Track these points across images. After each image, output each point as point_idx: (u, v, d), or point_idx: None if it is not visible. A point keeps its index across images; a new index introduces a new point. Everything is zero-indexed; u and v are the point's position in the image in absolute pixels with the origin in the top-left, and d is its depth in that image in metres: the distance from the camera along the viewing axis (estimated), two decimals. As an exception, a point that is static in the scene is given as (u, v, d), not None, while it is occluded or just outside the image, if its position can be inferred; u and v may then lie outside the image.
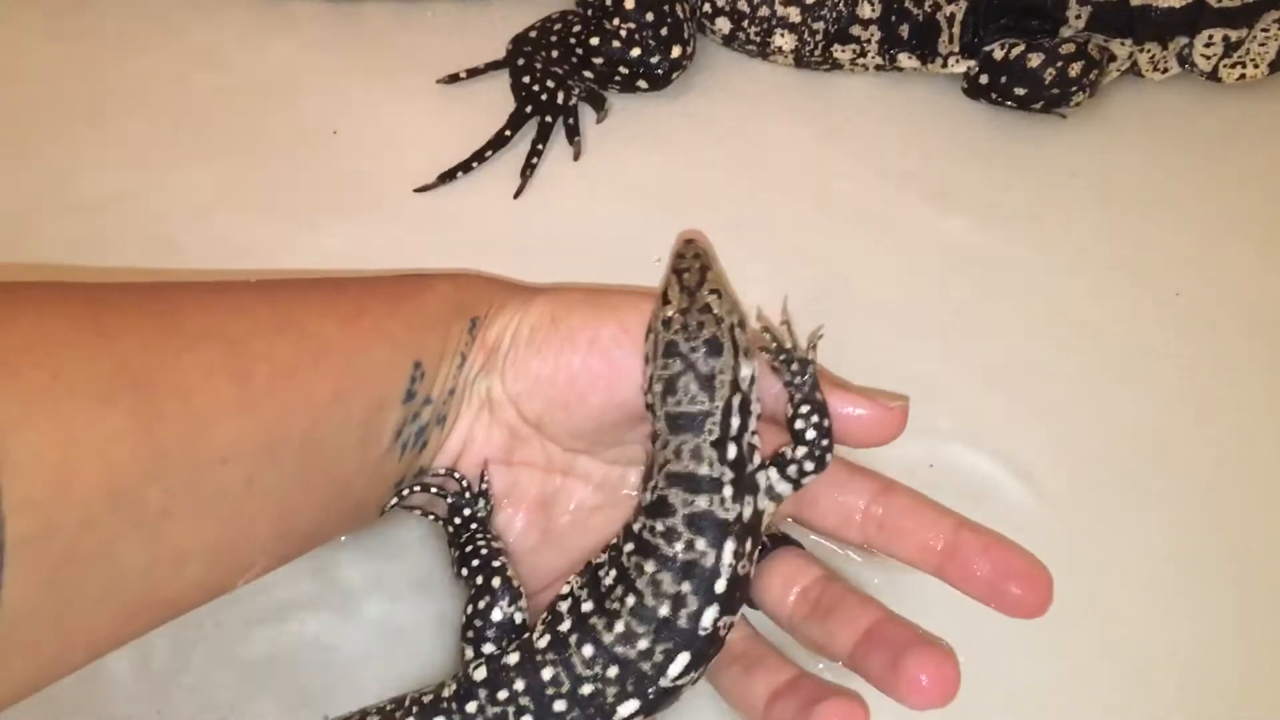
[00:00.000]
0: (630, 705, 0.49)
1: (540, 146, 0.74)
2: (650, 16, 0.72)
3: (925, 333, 0.69)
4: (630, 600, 0.49)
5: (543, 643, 0.51)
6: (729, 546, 0.49)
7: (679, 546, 0.49)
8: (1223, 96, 0.75)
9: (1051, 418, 0.66)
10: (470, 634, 0.53)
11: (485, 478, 0.56)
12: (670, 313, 0.51)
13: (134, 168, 0.74)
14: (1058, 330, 0.69)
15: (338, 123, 0.76)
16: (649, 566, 0.49)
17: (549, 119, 0.75)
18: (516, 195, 0.73)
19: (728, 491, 0.50)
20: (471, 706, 0.51)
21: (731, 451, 0.50)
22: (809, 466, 0.51)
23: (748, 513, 0.50)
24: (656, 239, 0.71)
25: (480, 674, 0.51)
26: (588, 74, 0.75)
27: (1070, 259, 0.71)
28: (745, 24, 0.75)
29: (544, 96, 0.75)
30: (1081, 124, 0.75)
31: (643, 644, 0.49)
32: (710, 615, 0.49)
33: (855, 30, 0.74)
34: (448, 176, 0.74)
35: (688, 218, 0.72)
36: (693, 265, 0.53)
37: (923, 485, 0.55)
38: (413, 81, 0.77)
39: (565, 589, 0.53)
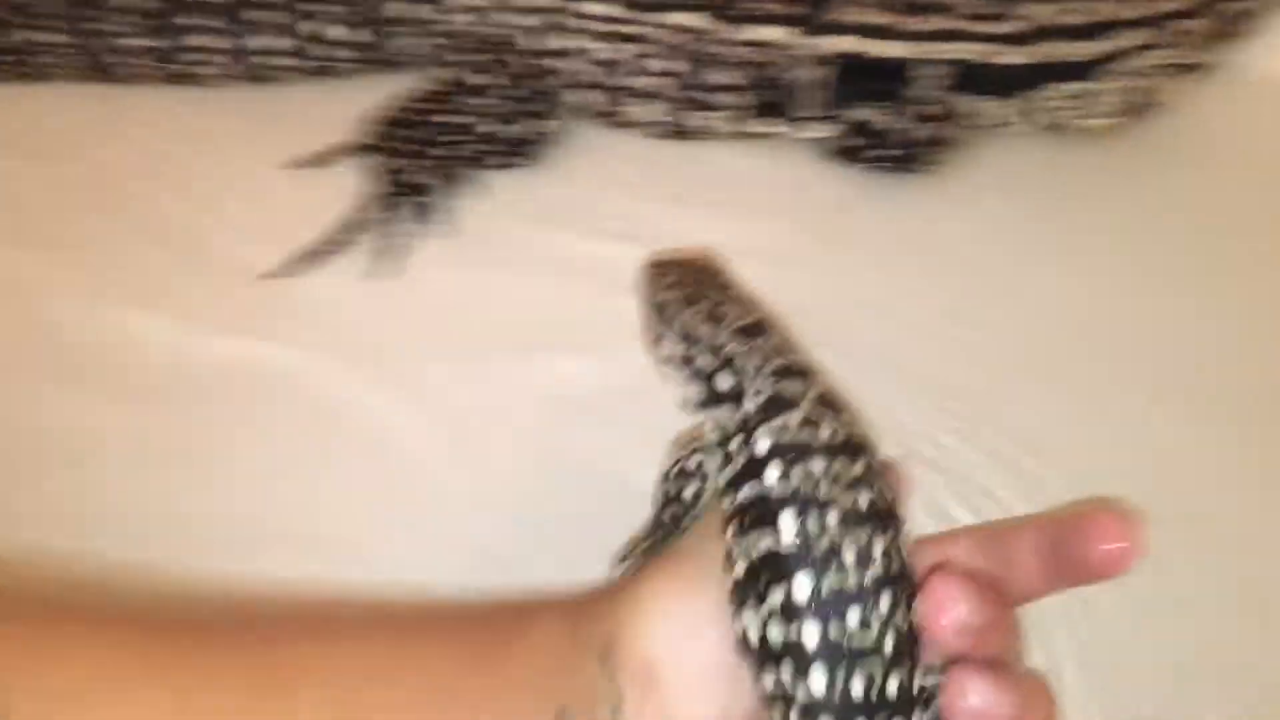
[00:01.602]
0: None
1: (399, 228, 0.72)
2: (513, 92, 0.72)
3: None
4: None
5: None
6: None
7: (823, 433, 0.42)
8: (1074, 145, 0.77)
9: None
10: None
11: None
12: (673, 278, 0.51)
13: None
14: (916, 393, 0.69)
15: (190, 213, 0.73)
16: (816, 465, 0.42)
17: (413, 199, 0.73)
18: (374, 277, 0.71)
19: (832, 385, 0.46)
20: None
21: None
22: None
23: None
24: (532, 313, 0.70)
25: None
26: (446, 154, 0.73)
27: (933, 313, 0.71)
28: (606, 96, 0.75)
29: (407, 177, 0.73)
30: (943, 180, 0.76)
31: None
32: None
33: (716, 97, 0.74)
34: (299, 264, 0.71)
35: (563, 289, 0.70)
36: (666, 257, 0.53)
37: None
38: (268, 169, 0.75)
39: None
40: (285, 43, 0.75)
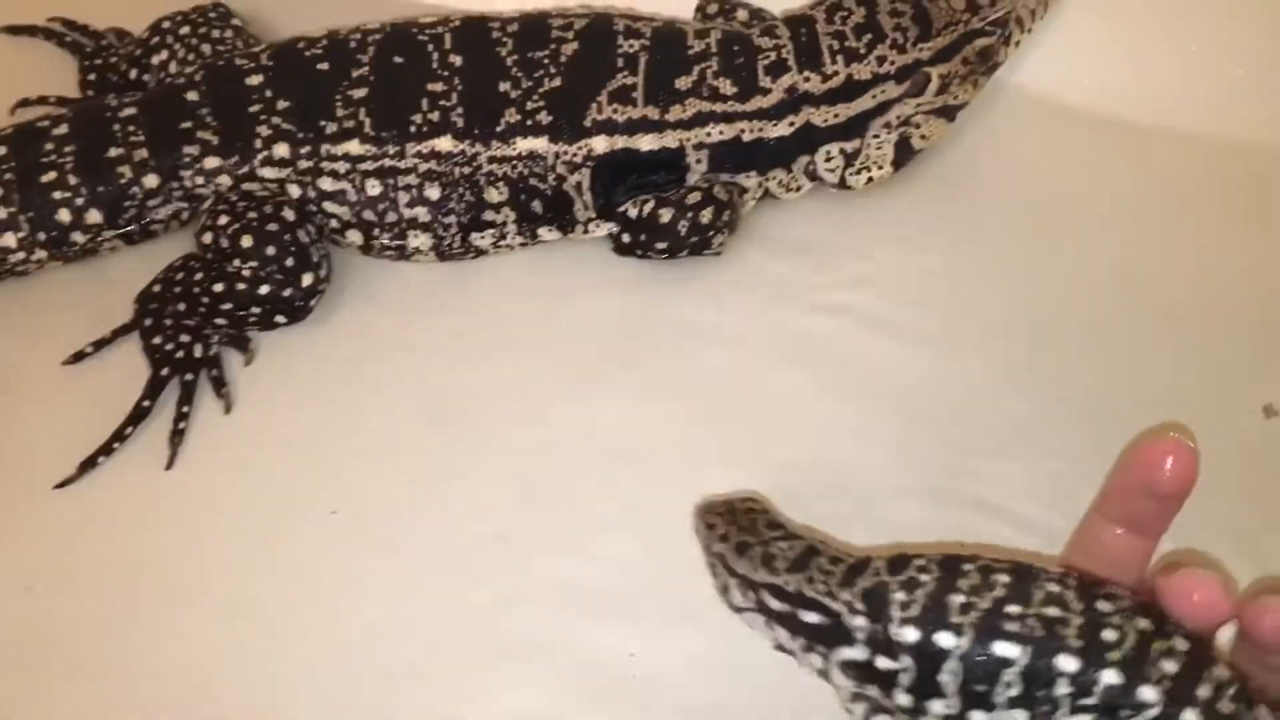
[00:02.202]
0: None
1: (186, 409, 0.69)
2: (272, 250, 0.69)
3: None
4: None
5: None
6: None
7: (924, 578, 0.48)
8: (858, 199, 0.77)
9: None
10: None
11: None
12: (723, 529, 0.56)
13: None
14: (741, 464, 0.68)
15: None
16: (955, 599, 0.47)
17: (189, 376, 0.69)
18: (169, 466, 0.68)
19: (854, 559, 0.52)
20: None
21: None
22: None
23: None
24: (329, 481, 0.67)
25: None
26: (221, 320, 0.70)
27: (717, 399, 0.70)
28: (377, 232, 0.72)
29: (180, 354, 0.70)
30: (731, 256, 0.75)
31: None
32: None
33: (488, 215, 0.72)
34: (89, 465, 0.67)
35: (362, 451, 0.68)
36: (716, 505, 0.58)
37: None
38: (34, 367, 0.71)
39: None
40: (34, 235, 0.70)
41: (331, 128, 0.70)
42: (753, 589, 0.53)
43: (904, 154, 0.74)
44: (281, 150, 0.70)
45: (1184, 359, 0.71)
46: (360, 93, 0.70)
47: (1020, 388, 0.70)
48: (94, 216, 0.70)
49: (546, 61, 0.71)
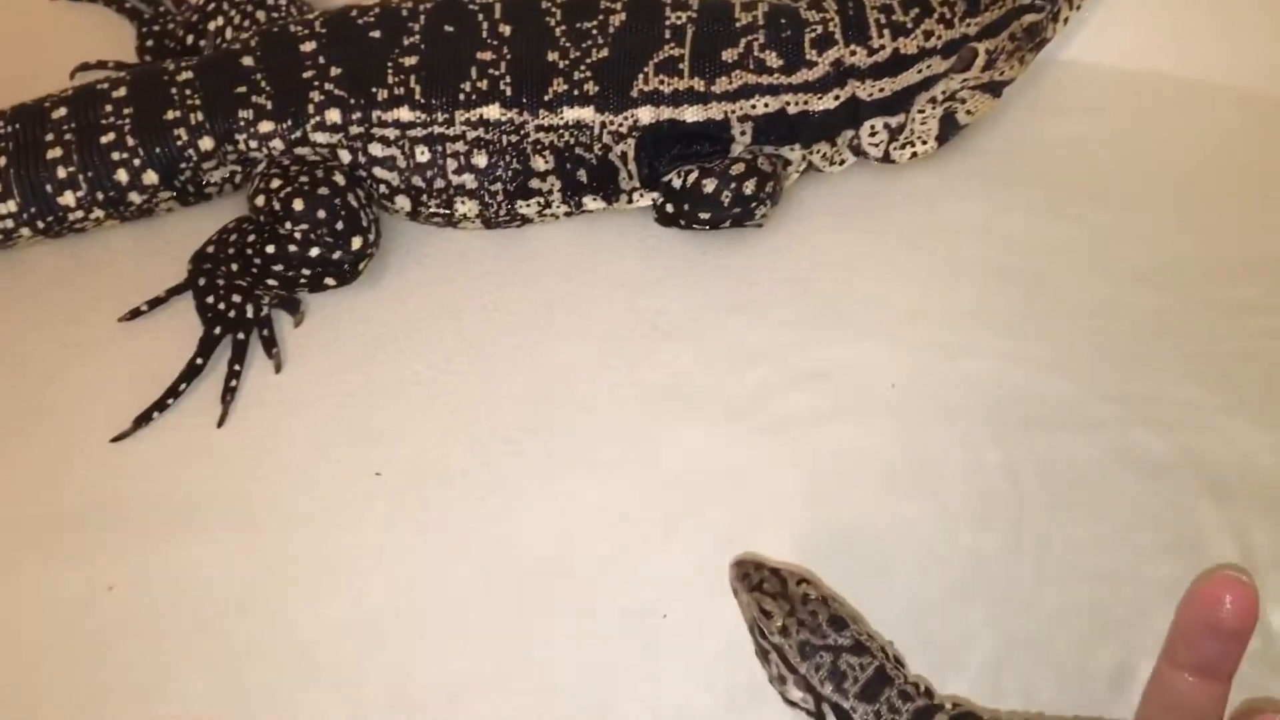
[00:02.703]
0: None
1: (238, 367, 0.70)
2: (322, 214, 0.70)
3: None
4: None
5: None
6: None
7: None
8: (902, 173, 0.78)
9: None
10: None
11: None
12: (781, 622, 0.55)
13: None
14: (780, 432, 0.69)
15: (16, 382, 0.71)
16: None
17: (241, 335, 0.71)
18: (220, 424, 0.69)
19: (943, 704, 0.54)
20: None
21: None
22: None
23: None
24: (378, 444, 0.69)
25: None
26: (272, 282, 0.72)
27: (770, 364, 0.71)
28: (425, 198, 0.73)
29: (232, 314, 0.71)
30: (774, 228, 0.76)
31: None
32: None
33: (534, 183, 0.73)
34: (144, 420, 0.69)
35: (408, 414, 0.69)
36: (765, 575, 0.56)
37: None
38: (92, 324, 0.73)
39: None
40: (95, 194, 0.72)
41: (382, 94, 0.71)
42: (812, 694, 0.55)
43: (949, 129, 0.75)
44: (333, 116, 0.71)
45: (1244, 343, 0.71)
46: (411, 60, 0.71)
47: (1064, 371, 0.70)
48: (150, 177, 0.72)
49: (594, 32, 0.72)
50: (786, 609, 0.55)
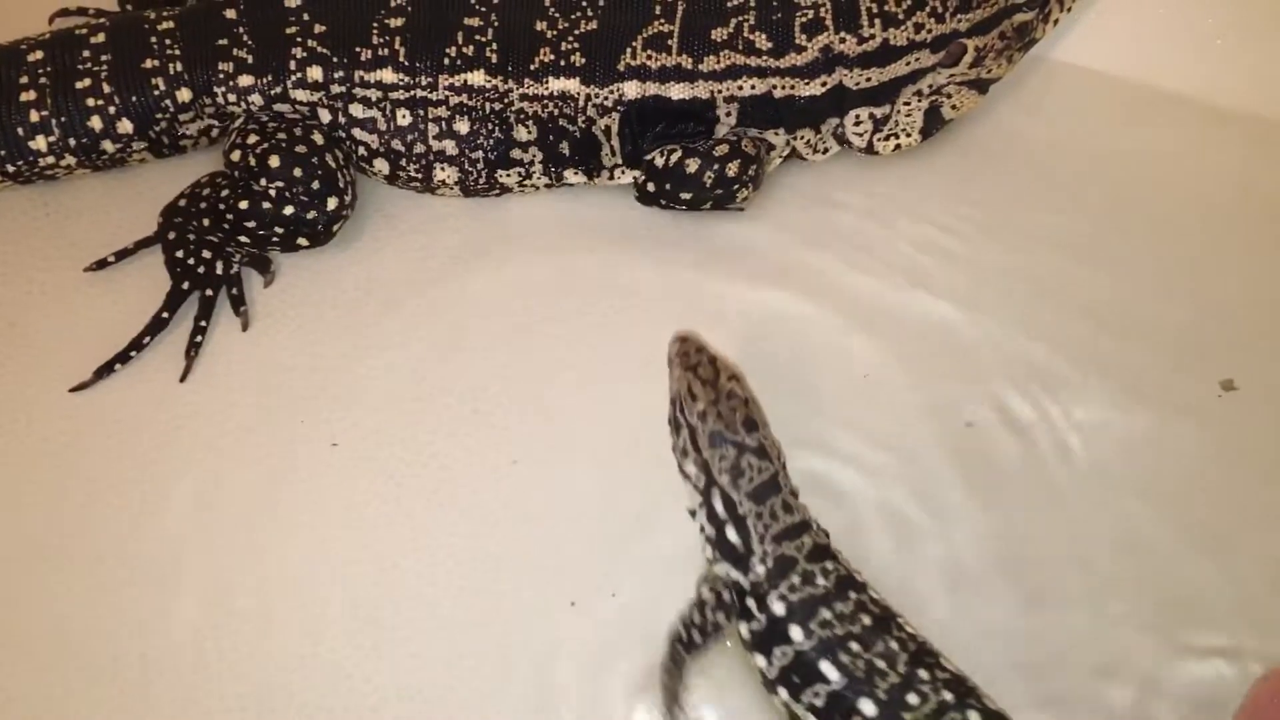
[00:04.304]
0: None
1: (204, 323, 0.69)
2: (299, 172, 0.69)
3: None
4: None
5: None
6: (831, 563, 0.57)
7: (820, 581, 0.56)
8: (886, 164, 0.77)
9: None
10: None
11: None
12: (702, 407, 0.57)
13: None
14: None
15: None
16: (825, 613, 0.55)
17: (209, 292, 0.70)
18: (183, 378, 0.68)
19: (813, 525, 0.58)
20: None
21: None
22: None
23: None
24: (335, 409, 0.68)
25: None
26: (244, 239, 0.71)
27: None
28: (404, 163, 0.72)
29: (201, 269, 0.70)
30: (755, 213, 0.75)
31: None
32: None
33: (516, 154, 0.72)
34: (105, 370, 0.68)
35: (370, 381, 0.69)
36: (702, 359, 0.59)
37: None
38: (58, 271, 0.72)
39: None
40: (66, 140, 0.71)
41: (366, 55, 0.70)
42: (707, 475, 0.57)
43: (933, 123, 0.74)
44: (315, 74, 0.70)
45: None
46: (397, 22, 0.71)
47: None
48: (125, 126, 0.71)
49: (584, 4, 0.71)
50: (711, 397, 0.57)
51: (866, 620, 0.55)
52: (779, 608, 0.55)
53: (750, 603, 0.57)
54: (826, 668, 0.54)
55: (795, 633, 0.55)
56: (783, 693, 0.56)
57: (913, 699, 0.54)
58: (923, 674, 0.54)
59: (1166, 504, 0.66)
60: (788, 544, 0.56)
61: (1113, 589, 0.64)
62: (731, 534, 0.57)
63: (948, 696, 0.54)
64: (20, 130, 0.70)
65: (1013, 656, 0.62)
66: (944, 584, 0.64)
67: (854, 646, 0.55)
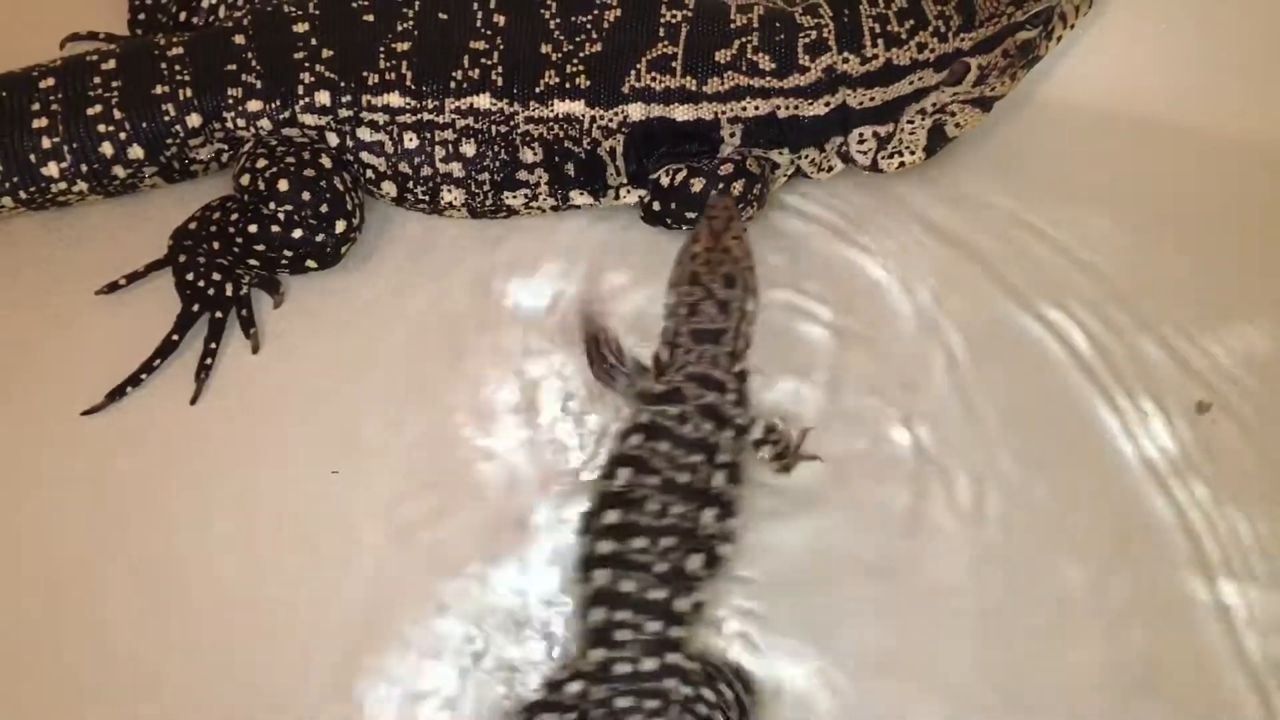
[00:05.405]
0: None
1: (213, 346, 0.70)
2: (307, 195, 0.70)
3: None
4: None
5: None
6: (727, 434, 0.62)
7: (688, 434, 0.61)
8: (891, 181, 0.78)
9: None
10: None
11: None
12: (697, 249, 0.65)
13: None
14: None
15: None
16: (662, 447, 0.61)
17: (219, 314, 0.71)
18: (194, 400, 0.69)
19: (731, 396, 0.63)
20: None
21: (737, 366, 0.64)
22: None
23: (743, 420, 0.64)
24: (350, 429, 0.69)
25: None
26: (253, 261, 0.71)
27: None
28: (411, 185, 0.73)
29: (211, 291, 0.71)
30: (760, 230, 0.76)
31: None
32: (719, 478, 0.62)
33: (522, 175, 0.73)
34: (117, 394, 0.69)
35: (385, 396, 0.69)
36: (722, 215, 0.66)
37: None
38: (69, 295, 0.72)
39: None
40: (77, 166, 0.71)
41: (373, 79, 0.71)
42: (671, 310, 0.66)
43: (937, 141, 0.75)
44: (323, 98, 0.71)
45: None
46: (403, 46, 0.71)
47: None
48: (136, 152, 0.71)
49: (589, 26, 0.72)
50: (709, 245, 0.65)
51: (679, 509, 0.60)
52: (645, 416, 0.63)
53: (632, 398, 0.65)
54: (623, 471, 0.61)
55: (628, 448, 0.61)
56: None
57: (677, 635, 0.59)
58: (695, 565, 0.59)
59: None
60: (691, 385, 0.63)
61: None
62: (663, 353, 0.65)
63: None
64: (33, 157, 0.70)
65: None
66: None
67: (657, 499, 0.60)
